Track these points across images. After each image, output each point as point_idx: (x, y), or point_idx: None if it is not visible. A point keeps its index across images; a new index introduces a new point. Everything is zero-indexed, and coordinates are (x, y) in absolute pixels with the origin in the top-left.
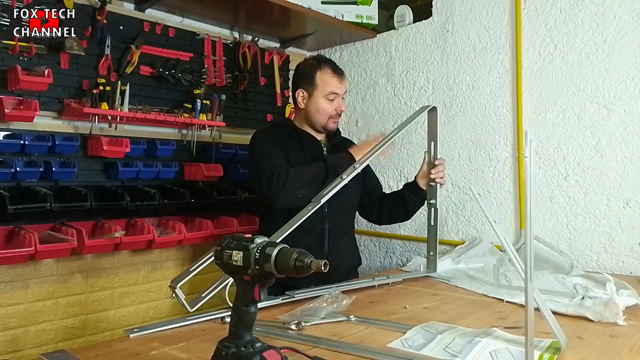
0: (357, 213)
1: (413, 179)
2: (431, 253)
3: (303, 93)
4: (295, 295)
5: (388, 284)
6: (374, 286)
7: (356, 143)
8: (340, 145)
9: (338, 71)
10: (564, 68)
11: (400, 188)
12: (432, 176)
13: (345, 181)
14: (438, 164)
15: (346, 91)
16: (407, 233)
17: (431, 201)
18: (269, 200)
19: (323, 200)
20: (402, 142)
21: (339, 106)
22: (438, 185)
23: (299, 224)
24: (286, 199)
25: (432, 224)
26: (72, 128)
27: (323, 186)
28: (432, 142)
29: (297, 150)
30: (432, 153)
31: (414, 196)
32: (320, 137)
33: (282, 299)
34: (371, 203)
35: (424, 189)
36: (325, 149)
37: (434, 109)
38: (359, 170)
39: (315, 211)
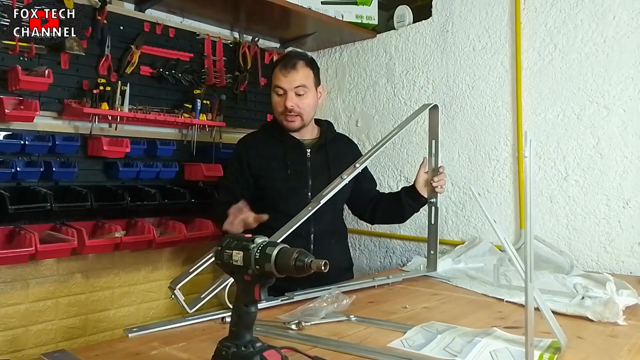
0: (346, 212)
1: (412, 184)
2: (432, 252)
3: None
4: (295, 297)
5: (388, 284)
6: (374, 286)
7: (355, 142)
8: (330, 146)
9: (286, 65)
10: (563, 68)
11: (397, 190)
12: (433, 184)
13: (346, 181)
14: (440, 172)
15: (302, 86)
16: (407, 233)
17: (432, 200)
18: None
19: (323, 201)
20: (402, 142)
21: (285, 101)
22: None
23: (295, 228)
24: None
25: (433, 223)
26: (72, 128)
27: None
28: (434, 141)
29: (277, 152)
30: (434, 151)
31: (411, 201)
32: (306, 137)
33: (281, 300)
34: (365, 202)
35: (425, 196)
36: (309, 150)
37: (435, 107)
38: (359, 169)
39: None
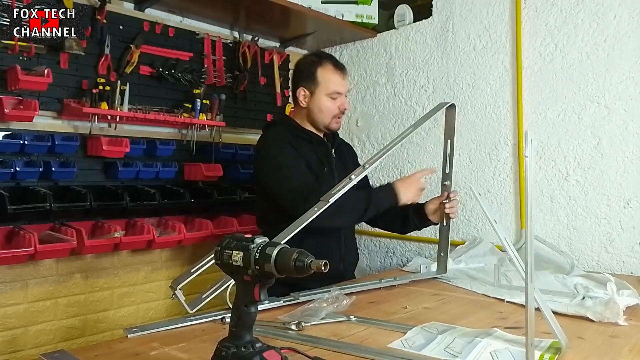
0: None
1: (421, 204)
2: (442, 254)
3: (304, 92)
4: (300, 297)
5: (394, 285)
6: (380, 288)
7: (352, 144)
8: (342, 146)
9: (340, 67)
10: (564, 68)
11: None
12: (446, 211)
13: (354, 182)
14: (453, 197)
15: (349, 89)
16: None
17: (445, 201)
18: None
19: (332, 200)
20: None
21: (342, 104)
22: (449, 186)
23: (302, 227)
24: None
25: (445, 224)
26: (71, 128)
27: (360, 218)
28: (449, 140)
29: (310, 151)
30: (449, 152)
31: (417, 221)
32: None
33: (283, 301)
34: None
35: (435, 222)
36: (333, 150)
37: (452, 106)
38: (368, 170)
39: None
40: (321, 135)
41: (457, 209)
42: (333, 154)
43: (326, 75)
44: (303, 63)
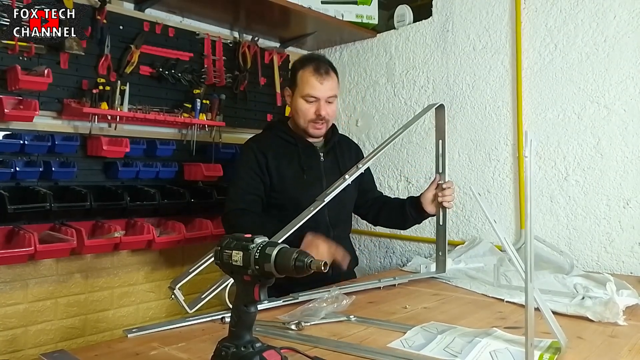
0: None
1: (418, 195)
2: (440, 253)
3: (288, 91)
4: (300, 297)
5: (394, 285)
6: (380, 287)
7: (355, 142)
8: (337, 148)
9: (320, 71)
10: (564, 68)
11: (403, 198)
12: (439, 199)
13: (348, 181)
14: (446, 187)
15: (334, 95)
16: (407, 233)
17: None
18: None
19: (327, 199)
20: (402, 141)
21: (318, 109)
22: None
23: (298, 226)
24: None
25: (441, 224)
26: (71, 128)
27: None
28: (440, 141)
29: (292, 157)
30: (440, 152)
31: (415, 214)
32: (317, 140)
33: (283, 301)
34: (366, 203)
35: (432, 214)
36: (322, 154)
37: (442, 106)
38: (362, 170)
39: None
40: (314, 140)
41: (451, 198)
42: (322, 158)
43: (304, 78)
44: (293, 64)
